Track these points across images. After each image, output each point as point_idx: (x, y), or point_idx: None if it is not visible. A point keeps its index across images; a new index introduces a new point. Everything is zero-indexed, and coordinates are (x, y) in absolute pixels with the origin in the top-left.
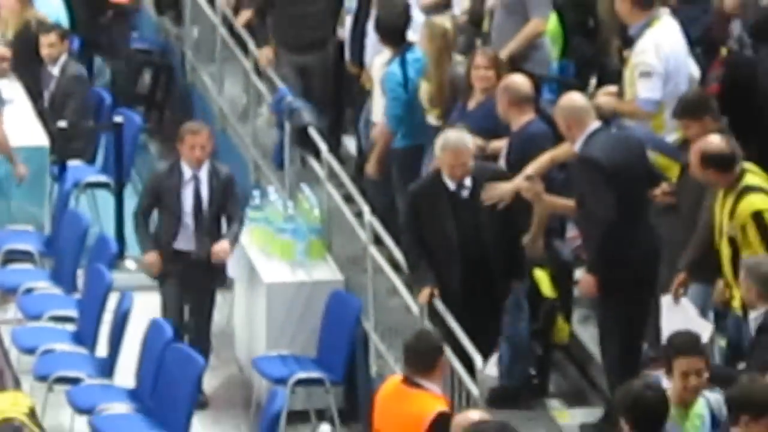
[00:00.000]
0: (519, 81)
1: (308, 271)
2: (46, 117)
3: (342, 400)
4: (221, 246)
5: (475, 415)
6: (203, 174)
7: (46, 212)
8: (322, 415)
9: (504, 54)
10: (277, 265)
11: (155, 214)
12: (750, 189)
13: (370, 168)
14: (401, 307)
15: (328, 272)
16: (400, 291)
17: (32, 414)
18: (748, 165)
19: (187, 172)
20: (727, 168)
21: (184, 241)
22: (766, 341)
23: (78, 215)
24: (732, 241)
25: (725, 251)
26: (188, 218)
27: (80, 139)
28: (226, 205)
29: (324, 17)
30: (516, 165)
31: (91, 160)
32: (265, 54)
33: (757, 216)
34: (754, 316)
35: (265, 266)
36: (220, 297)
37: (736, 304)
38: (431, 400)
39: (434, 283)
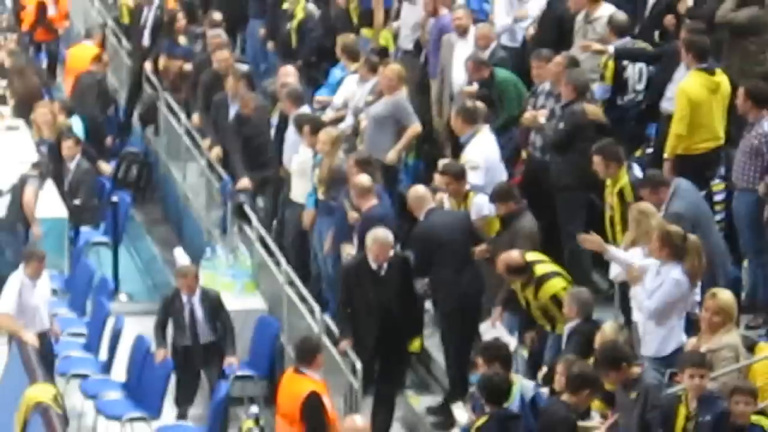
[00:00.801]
0: (361, 179)
1: (243, 302)
2: (65, 197)
3: (266, 389)
4: (229, 360)
5: (359, 420)
6: (196, 299)
7: (65, 261)
8: (252, 400)
9: (392, 154)
10: (222, 297)
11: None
12: (543, 278)
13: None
14: (306, 327)
15: (257, 303)
16: (306, 316)
17: (56, 398)
18: (531, 257)
19: (185, 297)
20: (523, 272)
21: (189, 341)
22: (575, 340)
23: (87, 264)
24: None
25: (537, 313)
26: (189, 329)
27: (89, 212)
28: (219, 315)
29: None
30: (364, 240)
31: (96, 226)
32: (215, 152)
33: (554, 298)
34: (569, 326)
35: None
36: None
37: (547, 326)
38: (310, 383)
39: (351, 336)
